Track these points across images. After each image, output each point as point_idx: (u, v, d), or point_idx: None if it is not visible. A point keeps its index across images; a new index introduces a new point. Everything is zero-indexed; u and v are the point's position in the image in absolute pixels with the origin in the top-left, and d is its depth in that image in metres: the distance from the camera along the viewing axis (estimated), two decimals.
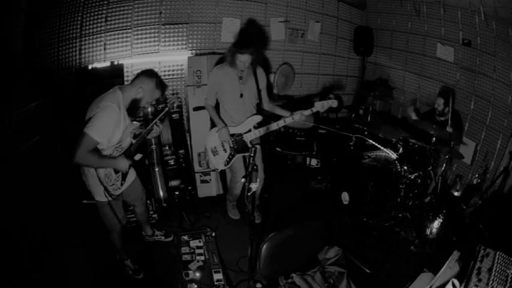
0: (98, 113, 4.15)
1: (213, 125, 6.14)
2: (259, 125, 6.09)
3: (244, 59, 5.53)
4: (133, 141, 4.88)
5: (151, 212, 6.67)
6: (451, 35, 8.16)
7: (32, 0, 5.65)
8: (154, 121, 4.97)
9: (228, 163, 6.17)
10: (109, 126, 4.24)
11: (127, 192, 5.19)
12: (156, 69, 7.18)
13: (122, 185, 4.95)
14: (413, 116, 7.63)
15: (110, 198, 4.65)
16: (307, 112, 5.84)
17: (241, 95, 5.92)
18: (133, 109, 4.68)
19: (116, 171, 4.74)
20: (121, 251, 5.46)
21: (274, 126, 6.00)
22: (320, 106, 5.81)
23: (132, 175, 5.25)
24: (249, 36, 6.10)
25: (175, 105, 6.05)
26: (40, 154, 5.41)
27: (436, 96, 7.51)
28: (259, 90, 6.08)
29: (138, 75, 4.58)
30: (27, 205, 5.16)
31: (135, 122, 4.91)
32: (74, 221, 5.80)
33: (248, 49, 5.49)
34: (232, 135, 6.02)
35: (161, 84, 4.69)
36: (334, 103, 5.84)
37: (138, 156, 5.13)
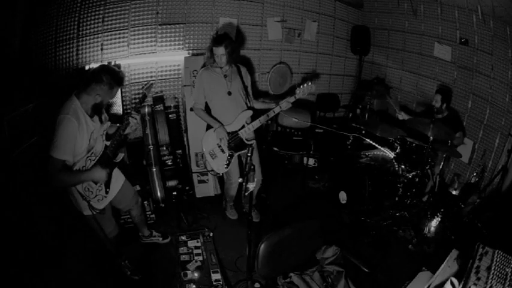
0: (56, 129, 4.09)
1: (209, 127, 6.11)
2: (251, 120, 6.11)
3: (219, 52, 5.63)
4: (108, 143, 4.72)
5: (149, 213, 6.68)
6: (448, 34, 8.16)
7: (30, 1, 5.64)
8: (129, 112, 4.73)
9: (228, 165, 6.15)
10: (69, 141, 4.13)
11: (117, 200, 5.11)
12: (153, 70, 7.22)
13: (107, 193, 4.84)
14: (405, 116, 7.63)
15: (93, 213, 4.56)
16: (292, 99, 5.88)
17: (229, 93, 5.95)
18: (98, 110, 4.55)
19: (95, 181, 4.62)
20: (117, 254, 5.44)
21: (264, 118, 5.98)
22: (301, 92, 5.84)
23: (119, 181, 5.16)
24: (223, 34, 6.09)
25: (152, 87, 5.90)
26: (38, 155, 5.40)
27: (433, 94, 7.51)
28: (245, 87, 6.15)
29: (87, 82, 4.31)
30: (26, 206, 5.15)
31: (108, 122, 4.82)
32: (72, 222, 5.78)
33: (222, 42, 5.59)
34: (227, 133, 6.01)
35: (115, 81, 4.42)
36: (312, 87, 5.87)
37: (119, 157, 4.93)
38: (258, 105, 6.33)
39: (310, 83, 5.83)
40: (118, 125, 4.87)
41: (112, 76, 4.37)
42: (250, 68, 8.68)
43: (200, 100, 6.03)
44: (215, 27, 7.89)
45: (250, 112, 6.11)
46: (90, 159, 4.50)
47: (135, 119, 4.74)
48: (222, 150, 6.10)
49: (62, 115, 4.11)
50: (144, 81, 7.25)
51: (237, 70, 6.10)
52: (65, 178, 4.15)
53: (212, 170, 6.33)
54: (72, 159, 4.24)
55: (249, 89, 6.26)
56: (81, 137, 4.23)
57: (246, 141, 6.08)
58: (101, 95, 4.33)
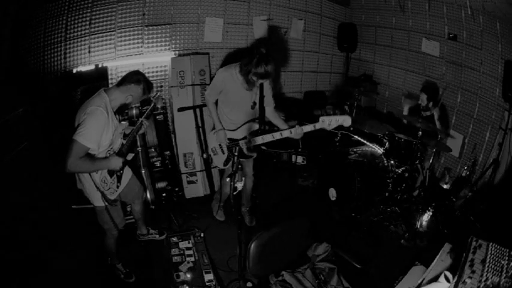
0: (86, 118, 4.16)
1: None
2: (256, 134, 5.88)
3: (259, 82, 5.41)
4: (124, 142, 4.87)
5: None
6: (436, 29, 8.21)
7: (19, 6, 5.60)
8: (142, 118, 5.00)
9: (226, 164, 6.07)
10: (98, 131, 4.25)
11: (124, 192, 5.21)
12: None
13: (117, 187, 4.98)
14: (405, 111, 7.66)
15: (106, 204, 4.70)
16: (308, 128, 5.34)
17: (253, 105, 5.77)
18: (122, 110, 4.82)
19: (111, 174, 4.77)
20: (114, 255, 5.45)
21: (269, 137, 5.66)
22: (326, 123, 5.23)
23: (127, 175, 5.28)
24: (271, 62, 5.27)
25: (160, 98, 5.91)
26: (28, 160, 5.36)
27: (419, 92, 7.52)
28: (262, 97, 5.77)
29: (125, 81, 4.55)
30: (17, 212, 5.11)
31: (123, 122, 4.97)
32: (64, 227, 5.76)
33: (270, 76, 5.26)
34: (229, 139, 5.91)
35: (148, 88, 4.71)
36: (346, 120, 5.21)
37: (130, 156, 5.11)
38: (271, 115, 6.00)
39: (344, 115, 5.26)
40: (132, 128, 5.05)
41: (147, 83, 4.73)
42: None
43: (213, 95, 5.81)
44: (201, 27, 7.86)
45: (257, 126, 5.94)
46: (109, 153, 4.68)
47: (147, 123, 5.11)
48: (222, 151, 6.04)
49: (93, 106, 4.26)
50: None
51: None
52: (84, 164, 4.23)
53: (214, 163, 6.46)
54: (97, 147, 4.38)
55: (269, 96, 5.91)
56: (107, 129, 4.40)
57: (246, 152, 5.92)
58: (133, 96, 4.60)
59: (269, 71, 5.15)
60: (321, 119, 5.24)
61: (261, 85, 5.65)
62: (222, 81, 5.60)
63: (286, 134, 5.53)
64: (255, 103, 5.76)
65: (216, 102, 5.94)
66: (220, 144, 6.00)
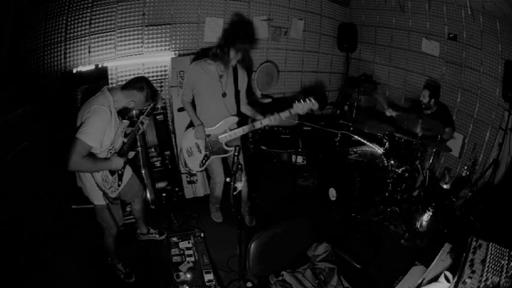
0: (90, 117, 4.17)
1: (191, 125, 6.01)
2: (235, 127, 5.94)
3: (239, 56, 5.46)
4: (125, 140, 4.91)
5: None
6: (436, 29, 8.21)
7: (19, 6, 5.60)
8: (142, 117, 5.09)
9: (203, 164, 6.07)
10: (101, 130, 4.26)
11: (123, 191, 5.21)
12: (140, 71, 7.18)
13: (119, 186, 4.99)
14: (393, 113, 7.63)
15: (108, 202, 4.72)
16: (285, 114, 5.65)
17: (224, 94, 5.77)
18: (123, 113, 4.82)
19: (112, 173, 4.78)
20: (113, 254, 5.44)
21: (250, 127, 5.80)
22: (300, 108, 5.59)
23: (128, 174, 5.29)
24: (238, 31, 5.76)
25: (160, 98, 5.93)
26: (28, 160, 5.36)
27: (422, 89, 7.50)
28: (237, 91, 5.90)
29: (129, 86, 4.57)
30: (16, 212, 5.11)
31: (124, 121, 4.98)
32: (64, 227, 5.77)
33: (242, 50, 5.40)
34: (207, 135, 5.90)
35: (152, 96, 4.73)
36: (314, 105, 5.61)
37: (131, 154, 5.19)
38: (246, 109, 6.14)
39: (313, 100, 5.61)
40: (132, 129, 5.10)
41: (152, 90, 4.75)
42: (249, 68, 8.71)
43: (187, 93, 5.86)
44: (201, 27, 7.85)
45: (236, 119, 5.94)
46: (110, 152, 4.73)
47: (147, 120, 5.25)
48: (199, 151, 6.01)
49: (97, 105, 4.28)
50: None
51: (233, 70, 5.82)
52: (87, 163, 4.25)
53: (187, 167, 6.25)
54: (99, 146, 4.40)
55: (242, 92, 6.02)
56: (110, 129, 4.43)
57: (225, 147, 5.97)
58: (135, 101, 4.64)
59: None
60: (294, 105, 5.61)
61: (235, 76, 5.78)
62: (193, 75, 5.69)
63: (266, 122, 5.70)
64: (225, 93, 5.79)
65: (192, 103, 5.97)
66: (197, 143, 5.98)
